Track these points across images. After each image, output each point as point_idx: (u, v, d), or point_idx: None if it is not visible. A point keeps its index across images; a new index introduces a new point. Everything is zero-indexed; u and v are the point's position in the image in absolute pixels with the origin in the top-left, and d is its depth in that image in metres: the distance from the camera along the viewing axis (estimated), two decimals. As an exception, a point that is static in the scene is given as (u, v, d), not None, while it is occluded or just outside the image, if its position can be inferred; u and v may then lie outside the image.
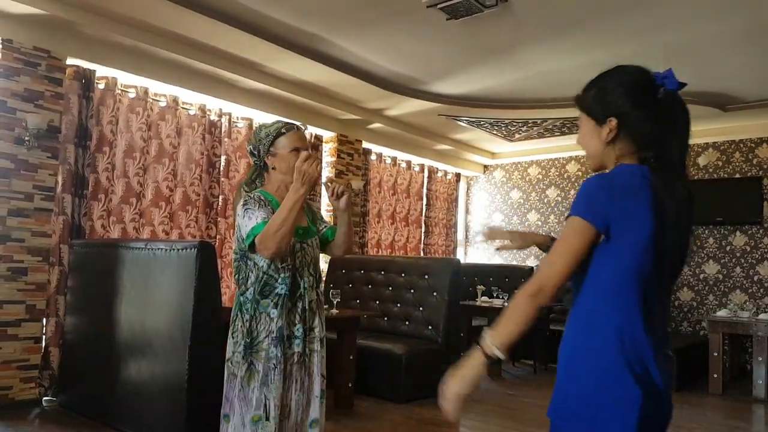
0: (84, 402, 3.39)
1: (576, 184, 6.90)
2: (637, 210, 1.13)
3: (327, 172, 5.68)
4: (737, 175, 5.79)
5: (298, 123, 2.01)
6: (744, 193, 5.64)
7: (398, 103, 5.35)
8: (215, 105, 4.67)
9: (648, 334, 1.13)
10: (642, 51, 3.97)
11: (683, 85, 1.19)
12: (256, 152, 1.94)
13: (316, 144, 5.55)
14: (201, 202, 4.52)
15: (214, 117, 4.68)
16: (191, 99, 4.51)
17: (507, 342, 1.14)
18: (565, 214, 6.98)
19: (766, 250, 5.56)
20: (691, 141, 1.22)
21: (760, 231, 5.58)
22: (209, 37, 3.88)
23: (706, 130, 5.76)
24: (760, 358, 4.66)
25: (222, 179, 4.69)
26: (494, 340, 1.14)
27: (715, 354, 4.81)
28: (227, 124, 4.77)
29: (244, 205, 1.83)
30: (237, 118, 4.86)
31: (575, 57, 4.23)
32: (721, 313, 5.18)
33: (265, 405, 1.75)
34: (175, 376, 2.69)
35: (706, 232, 5.88)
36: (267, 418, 1.75)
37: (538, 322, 5.60)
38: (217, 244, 4.48)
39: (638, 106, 1.19)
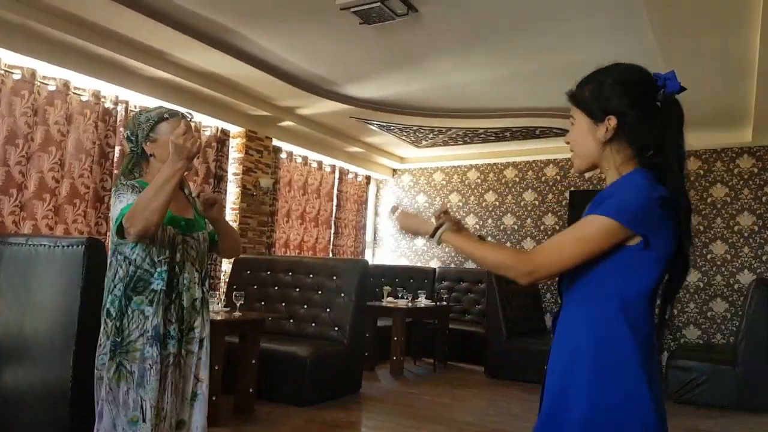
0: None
1: (476, 191, 7.26)
2: (666, 221, 1.07)
3: (234, 169, 5.52)
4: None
5: (184, 111, 1.90)
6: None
7: (310, 102, 5.32)
8: (111, 92, 4.35)
9: (654, 353, 1.09)
10: (537, 69, 4.21)
11: (684, 88, 1.13)
12: (133, 138, 1.81)
13: (223, 138, 5.37)
14: (90, 195, 4.19)
15: (109, 105, 4.36)
16: (84, 84, 4.16)
17: (452, 243, 1.21)
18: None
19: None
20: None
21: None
22: (107, 19, 3.61)
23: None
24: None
25: (115, 171, 4.37)
26: (445, 235, 1.21)
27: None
28: (123, 113, 4.45)
29: (116, 191, 1.72)
30: (135, 106, 4.55)
31: (479, 71, 4.45)
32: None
33: (142, 407, 1.68)
34: (58, 384, 2.49)
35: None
36: (144, 420, 1.68)
37: (439, 322, 5.84)
38: (107, 241, 4.18)
39: (637, 107, 1.12)
